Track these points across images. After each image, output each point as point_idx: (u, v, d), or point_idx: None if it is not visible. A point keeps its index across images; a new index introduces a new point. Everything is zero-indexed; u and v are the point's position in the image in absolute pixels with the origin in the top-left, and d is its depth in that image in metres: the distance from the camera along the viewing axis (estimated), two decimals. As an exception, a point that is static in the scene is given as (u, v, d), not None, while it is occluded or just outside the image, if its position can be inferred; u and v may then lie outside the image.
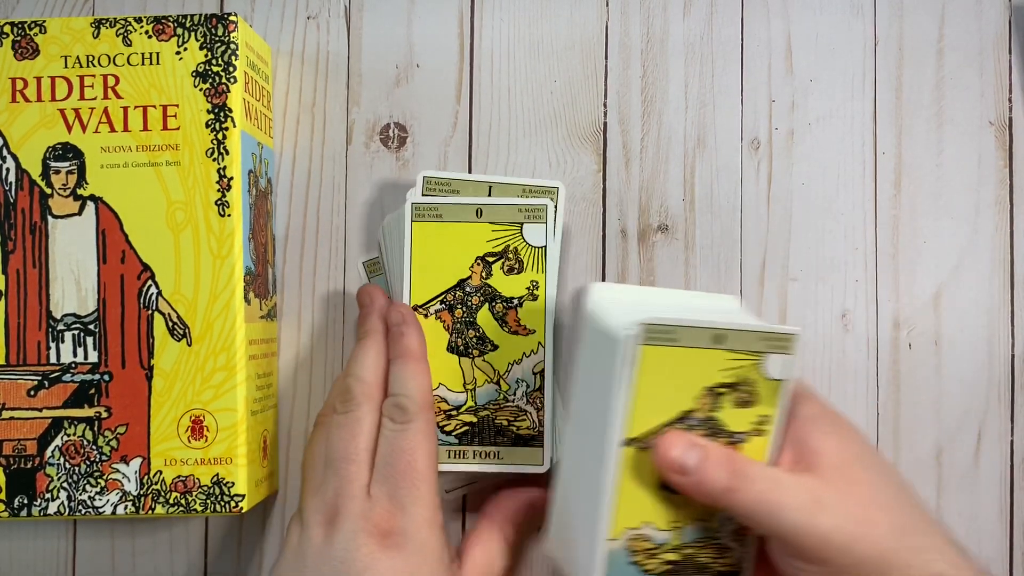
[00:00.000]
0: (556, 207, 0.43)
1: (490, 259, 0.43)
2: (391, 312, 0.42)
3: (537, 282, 0.43)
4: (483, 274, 0.43)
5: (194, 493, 0.42)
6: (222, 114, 0.42)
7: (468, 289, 0.43)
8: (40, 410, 0.42)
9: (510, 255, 0.43)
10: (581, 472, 0.39)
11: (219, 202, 0.42)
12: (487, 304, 0.43)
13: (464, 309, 0.43)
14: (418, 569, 0.38)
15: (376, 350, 0.41)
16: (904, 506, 0.37)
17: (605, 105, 0.47)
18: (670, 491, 0.38)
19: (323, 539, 0.38)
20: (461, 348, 0.43)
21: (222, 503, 0.42)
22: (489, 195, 0.44)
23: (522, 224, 0.43)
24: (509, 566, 0.42)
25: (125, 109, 0.42)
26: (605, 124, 0.47)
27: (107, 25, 0.43)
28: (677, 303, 0.41)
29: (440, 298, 0.43)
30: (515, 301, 0.43)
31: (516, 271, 0.43)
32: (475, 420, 0.43)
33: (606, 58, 0.47)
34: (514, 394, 0.43)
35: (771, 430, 0.38)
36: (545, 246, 0.43)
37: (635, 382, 0.36)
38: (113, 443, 0.42)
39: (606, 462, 0.37)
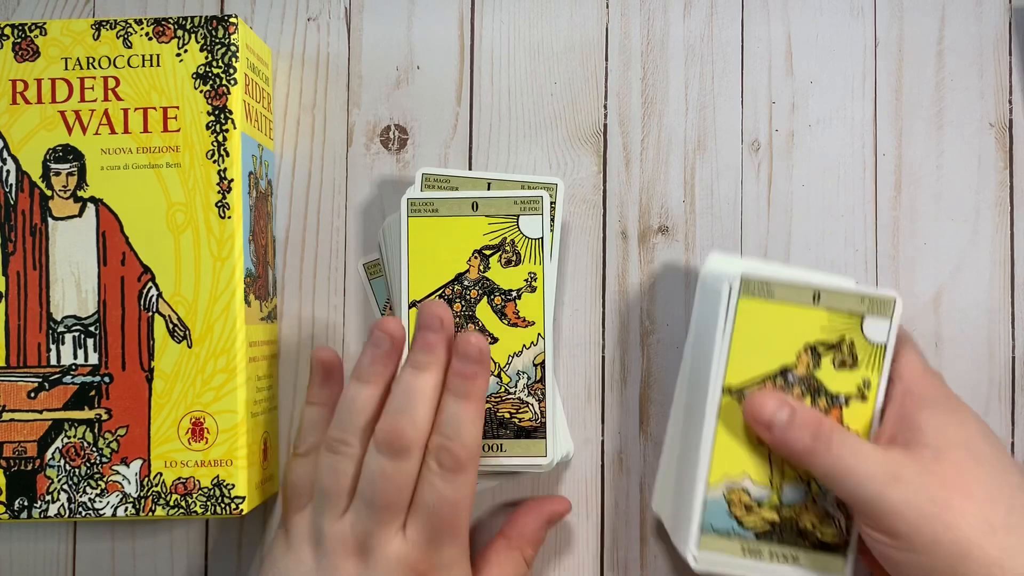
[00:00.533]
0: (555, 203, 0.44)
1: (487, 252, 0.43)
2: (466, 345, 0.39)
3: (535, 273, 0.43)
4: (480, 267, 0.43)
5: (194, 495, 0.42)
6: (222, 116, 0.42)
7: (466, 283, 0.43)
8: (40, 412, 0.42)
9: (507, 248, 0.43)
10: (687, 423, 0.42)
11: (219, 204, 0.42)
12: (486, 297, 0.43)
13: (463, 303, 0.43)
14: None
15: (436, 388, 0.39)
16: (1009, 504, 0.36)
17: (605, 107, 0.47)
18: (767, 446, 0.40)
19: (355, 574, 0.38)
20: None
21: (222, 505, 0.42)
22: (488, 191, 0.44)
23: (518, 216, 0.43)
24: None
25: (125, 111, 0.42)
26: (605, 126, 0.47)
27: (107, 27, 0.42)
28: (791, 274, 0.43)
29: (438, 293, 0.43)
30: (513, 293, 0.43)
31: (514, 263, 0.43)
32: None
33: (606, 60, 0.47)
34: (515, 386, 0.43)
35: (874, 396, 0.39)
36: (542, 237, 0.43)
37: (734, 332, 0.39)
38: (113, 445, 0.42)
39: (708, 408, 0.40)
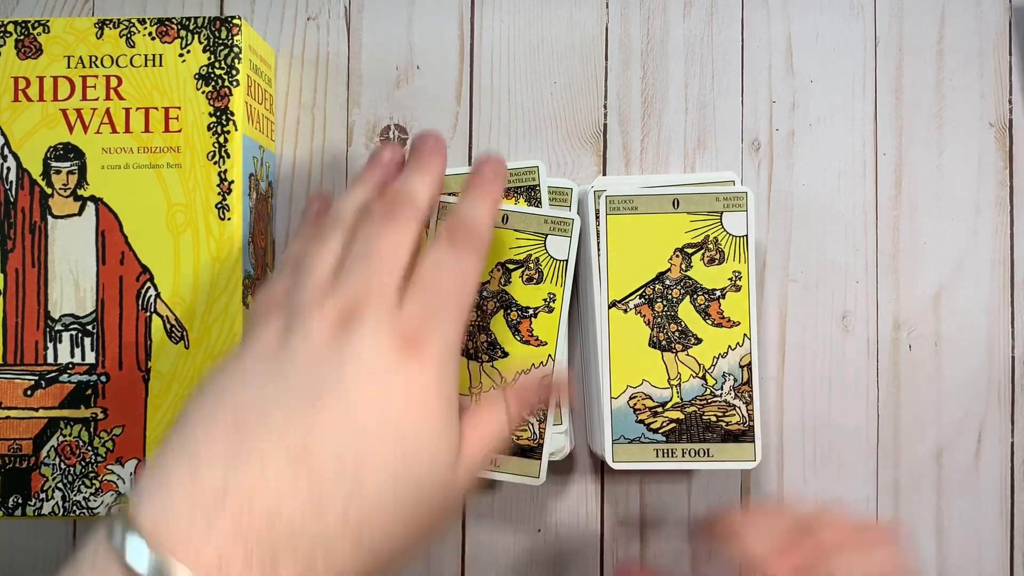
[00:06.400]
0: (538, 185, 0.43)
1: (510, 267, 0.42)
2: (485, 162, 0.37)
3: (555, 295, 0.43)
4: (501, 280, 0.43)
5: (190, 495, 0.41)
6: (224, 117, 0.42)
7: (484, 293, 0.43)
8: (36, 410, 0.42)
9: (530, 265, 0.42)
10: (585, 344, 0.45)
11: (219, 205, 0.42)
12: (502, 310, 0.43)
13: (478, 313, 0.43)
14: (436, 387, 0.32)
15: (441, 175, 0.37)
16: None
17: (605, 106, 0.47)
18: (661, 349, 0.42)
19: (330, 338, 0.31)
20: (471, 352, 0.43)
21: (219, 506, 0.41)
22: (520, 207, 0.43)
23: (546, 236, 0.43)
24: (506, 439, 0.36)
25: (127, 110, 0.42)
26: (605, 125, 0.47)
27: (111, 26, 0.43)
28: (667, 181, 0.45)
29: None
30: (530, 311, 0.43)
31: (535, 281, 0.43)
32: None
33: (606, 59, 0.48)
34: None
35: (747, 285, 0.42)
36: (567, 260, 0.43)
37: (608, 248, 0.43)
38: (109, 444, 0.42)
39: (599, 324, 0.42)
